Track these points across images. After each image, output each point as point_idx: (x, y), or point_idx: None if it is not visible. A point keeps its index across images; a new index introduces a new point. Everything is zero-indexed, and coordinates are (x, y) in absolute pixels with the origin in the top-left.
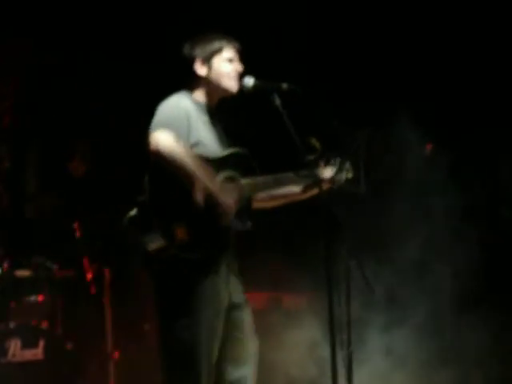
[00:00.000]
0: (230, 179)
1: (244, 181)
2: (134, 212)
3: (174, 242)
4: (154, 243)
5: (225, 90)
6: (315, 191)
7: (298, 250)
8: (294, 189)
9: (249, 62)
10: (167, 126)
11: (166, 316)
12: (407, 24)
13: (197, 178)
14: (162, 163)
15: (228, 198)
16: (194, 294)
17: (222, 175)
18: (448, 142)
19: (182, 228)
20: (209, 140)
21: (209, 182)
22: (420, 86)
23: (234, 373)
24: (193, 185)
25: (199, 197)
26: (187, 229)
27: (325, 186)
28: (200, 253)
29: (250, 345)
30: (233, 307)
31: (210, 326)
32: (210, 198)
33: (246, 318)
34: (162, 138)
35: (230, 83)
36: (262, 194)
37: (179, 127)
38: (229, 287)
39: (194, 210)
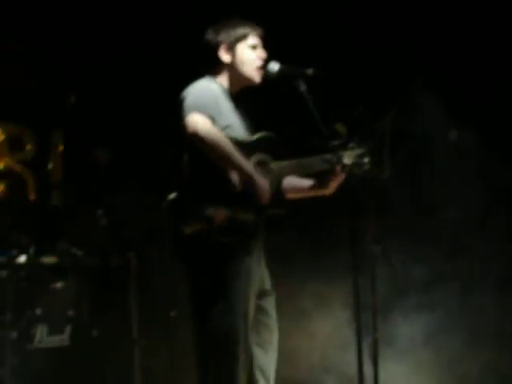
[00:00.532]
0: (261, 163)
1: (273, 164)
2: (173, 195)
3: (212, 226)
4: (191, 227)
5: (247, 80)
6: (336, 184)
7: (324, 235)
8: (310, 183)
9: (271, 46)
10: (201, 108)
11: (202, 302)
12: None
13: (233, 162)
14: (199, 145)
15: (263, 182)
16: (229, 278)
17: (253, 159)
18: (475, 125)
19: (221, 211)
20: (236, 124)
21: (245, 166)
22: (448, 69)
23: (262, 358)
24: (229, 168)
25: (235, 180)
26: (226, 212)
27: (347, 171)
28: (237, 236)
29: (275, 331)
30: (262, 294)
31: (245, 310)
32: (246, 182)
33: (273, 304)
34: (200, 121)
35: (253, 73)
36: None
37: (211, 109)
38: (260, 272)
39: (232, 193)
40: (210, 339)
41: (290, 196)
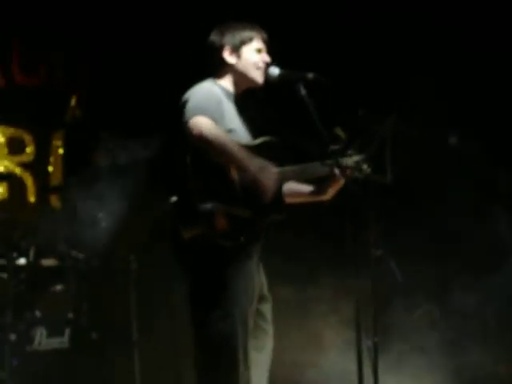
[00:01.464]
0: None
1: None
2: (174, 198)
3: (214, 230)
4: (190, 231)
5: (251, 81)
6: (335, 191)
7: (322, 239)
8: (309, 188)
9: (274, 51)
10: (204, 111)
11: (202, 306)
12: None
13: (238, 161)
14: (205, 148)
15: (268, 179)
16: (230, 283)
17: None
18: (475, 130)
19: (222, 215)
20: (239, 128)
21: (250, 165)
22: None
23: (257, 362)
24: (234, 167)
25: (237, 183)
26: (228, 217)
27: (349, 176)
28: (239, 240)
29: (271, 337)
30: (261, 298)
31: (245, 315)
32: (249, 183)
33: (270, 309)
34: (205, 123)
35: (257, 74)
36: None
37: (215, 113)
38: (260, 276)
39: (235, 197)
40: (209, 344)
41: (289, 200)
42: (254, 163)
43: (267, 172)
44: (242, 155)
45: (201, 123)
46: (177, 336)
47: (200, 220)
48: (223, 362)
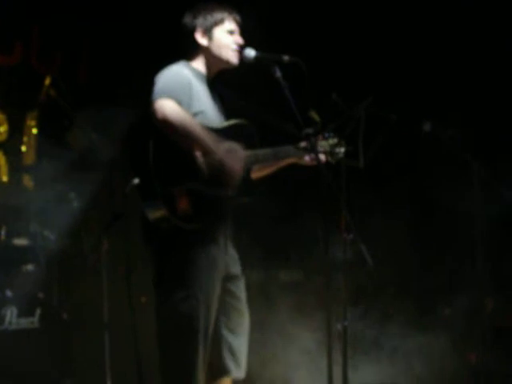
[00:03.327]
0: (232, 150)
1: (245, 152)
2: (136, 181)
3: (176, 213)
4: (155, 213)
5: (225, 62)
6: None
7: (295, 224)
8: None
9: (249, 34)
10: (170, 93)
11: (165, 287)
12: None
13: (203, 145)
14: (168, 131)
15: (234, 164)
16: (193, 265)
17: (224, 145)
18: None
19: (184, 198)
20: (210, 110)
21: (216, 149)
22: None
23: (232, 341)
24: (199, 151)
25: (204, 164)
26: (190, 199)
27: (322, 160)
28: (200, 223)
29: (245, 314)
30: (230, 278)
31: (208, 298)
32: (215, 166)
33: (241, 288)
34: (168, 105)
35: (230, 55)
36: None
37: (182, 95)
38: (226, 258)
39: (197, 179)
40: (171, 325)
41: (263, 173)
42: (221, 147)
43: (234, 156)
44: (208, 139)
45: (165, 106)
46: (148, 318)
47: (162, 203)
48: (184, 343)
